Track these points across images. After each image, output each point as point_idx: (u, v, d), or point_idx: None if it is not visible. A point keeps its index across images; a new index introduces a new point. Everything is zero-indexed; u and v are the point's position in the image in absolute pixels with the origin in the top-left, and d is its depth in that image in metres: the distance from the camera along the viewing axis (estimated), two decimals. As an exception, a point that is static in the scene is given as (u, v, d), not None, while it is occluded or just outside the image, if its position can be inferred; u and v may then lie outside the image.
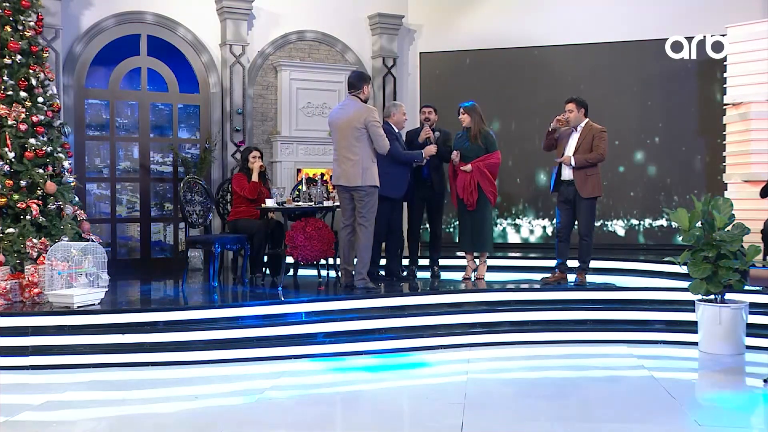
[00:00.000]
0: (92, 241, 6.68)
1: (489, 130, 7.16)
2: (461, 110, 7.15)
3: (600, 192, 6.86)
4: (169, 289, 7.66)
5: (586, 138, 6.80)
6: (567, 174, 6.83)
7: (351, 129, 6.53)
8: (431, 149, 7.05)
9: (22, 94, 6.85)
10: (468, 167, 6.99)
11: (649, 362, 5.73)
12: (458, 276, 7.47)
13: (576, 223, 6.94)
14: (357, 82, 6.67)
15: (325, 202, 7.08)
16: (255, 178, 7.36)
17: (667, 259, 6.53)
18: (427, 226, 7.76)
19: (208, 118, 9.09)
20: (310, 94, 9.37)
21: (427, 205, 7.52)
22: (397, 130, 7.16)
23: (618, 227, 9.24)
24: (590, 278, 7.11)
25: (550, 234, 9.36)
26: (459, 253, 7.85)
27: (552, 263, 7.52)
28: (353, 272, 6.66)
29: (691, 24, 8.96)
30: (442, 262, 7.73)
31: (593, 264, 7.17)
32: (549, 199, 9.28)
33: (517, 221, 9.56)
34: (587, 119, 6.91)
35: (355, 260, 6.70)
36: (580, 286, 6.85)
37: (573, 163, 6.73)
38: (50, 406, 4.63)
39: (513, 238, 9.59)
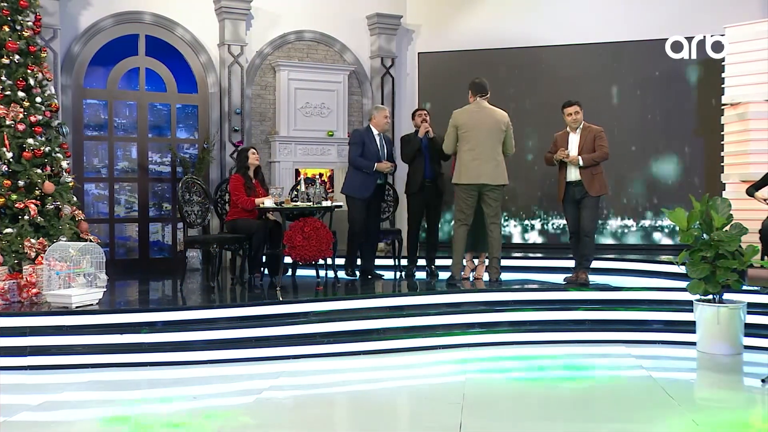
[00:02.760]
0: (90, 241, 6.68)
1: None
2: None
3: (607, 190, 6.97)
4: (168, 289, 7.66)
5: (587, 139, 6.87)
6: (573, 175, 6.86)
7: (497, 131, 6.87)
8: (383, 165, 7.29)
9: (20, 94, 6.84)
10: None
11: (648, 362, 5.73)
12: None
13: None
14: (486, 85, 6.99)
15: (323, 202, 7.08)
16: (261, 202, 7.17)
17: (665, 259, 6.52)
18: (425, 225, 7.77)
19: (207, 118, 9.08)
20: (309, 94, 9.37)
21: (426, 205, 7.55)
22: (376, 132, 7.42)
23: (616, 227, 9.23)
24: (588, 278, 7.11)
25: (545, 233, 9.35)
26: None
27: (549, 263, 7.55)
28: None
29: (691, 24, 8.96)
30: (437, 262, 7.73)
31: (592, 264, 7.18)
32: (546, 198, 9.28)
33: (512, 221, 9.55)
34: (583, 121, 6.98)
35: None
36: (583, 285, 6.83)
37: (581, 162, 6.76)
38: (48, 406, 4.63)
39: (510, 238, 9.58)
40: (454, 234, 6.99)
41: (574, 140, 6.93)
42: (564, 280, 7.10)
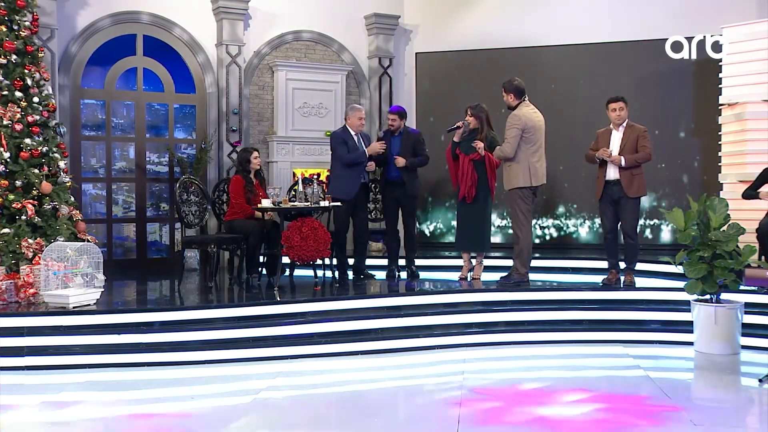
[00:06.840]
0: (88, 241, 6.67)
1: (495, 134, 7.14)
2: (468, 111, 7.18)
3: (645, 191, 6.85)
4: (165, 289, 7.65)
5: (630, 138, 6.74)
6: (612, 174, 6.75)
7: (544, 131, 6.93)
8: (375, 146, 7.30)
9: (18, 94, 6.83)
10: (480, 145, 7.00)
11: (645, 362, 5.74)
12: (454, 276, 7.47)
13: (620, 222, 6.85)
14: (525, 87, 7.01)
15: (321, 202, 7.08)
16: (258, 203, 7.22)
17: (662, 259, 6.53)
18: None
19: (205, 118, 9.08)
20: (307, 95, 9.36)
21: (400, 205, 7.57)
22: (353, 133, 7.41)
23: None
24: (586, 278, 7.11)
25: (545, 234, 9.36)
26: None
27: (545, 263, 7.53)
28: None
29: (691, 24, 8.94)
30: (435, 262, 7.74)
31: (589, 264, 7.19)
32: (545, 199, 9.27)
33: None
34: (627, 119, 6.88)
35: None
36: (629, 286, 6.76)
37: (623, 163, 6.65)
38: (46, 406, 4.62)
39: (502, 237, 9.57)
40: (524, 238, 6.87)
41: (616, 138, 6.81)
42: (602, 282, 6.96)
